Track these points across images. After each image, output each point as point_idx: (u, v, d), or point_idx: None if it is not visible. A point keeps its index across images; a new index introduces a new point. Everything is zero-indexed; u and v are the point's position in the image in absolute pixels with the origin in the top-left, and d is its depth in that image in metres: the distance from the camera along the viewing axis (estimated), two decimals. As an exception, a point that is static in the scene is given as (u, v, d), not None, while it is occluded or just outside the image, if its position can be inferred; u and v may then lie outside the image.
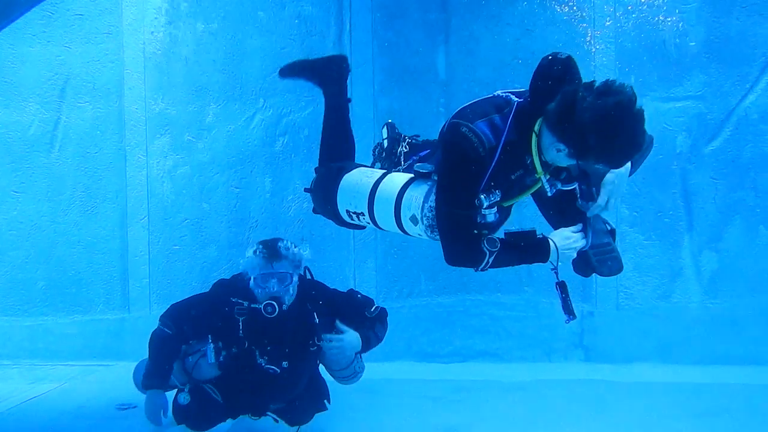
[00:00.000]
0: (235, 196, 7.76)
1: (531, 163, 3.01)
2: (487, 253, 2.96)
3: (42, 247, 7.86)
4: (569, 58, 2.97)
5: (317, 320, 4.55)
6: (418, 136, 3.76)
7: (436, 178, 3.11)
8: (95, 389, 6.60)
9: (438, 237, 3.08)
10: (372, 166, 3.75)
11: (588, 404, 5.56)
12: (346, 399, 4.75)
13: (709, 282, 7.22)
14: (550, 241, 3.06)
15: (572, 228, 3.14)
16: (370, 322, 4.68)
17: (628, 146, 2.77)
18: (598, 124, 2.69)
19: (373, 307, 4.75)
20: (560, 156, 2.89)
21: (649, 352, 6.94)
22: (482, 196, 2.92)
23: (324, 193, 3.69)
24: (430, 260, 7.17)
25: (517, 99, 3.04)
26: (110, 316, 7.78)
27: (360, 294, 4.86)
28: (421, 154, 3.51)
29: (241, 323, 4.47)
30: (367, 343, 4.60)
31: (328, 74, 4.33)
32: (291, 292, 4.49)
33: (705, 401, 5.81)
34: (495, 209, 3.01)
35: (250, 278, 4.50)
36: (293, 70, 4.52)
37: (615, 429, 5.08)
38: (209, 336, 4.54)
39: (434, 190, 3.07)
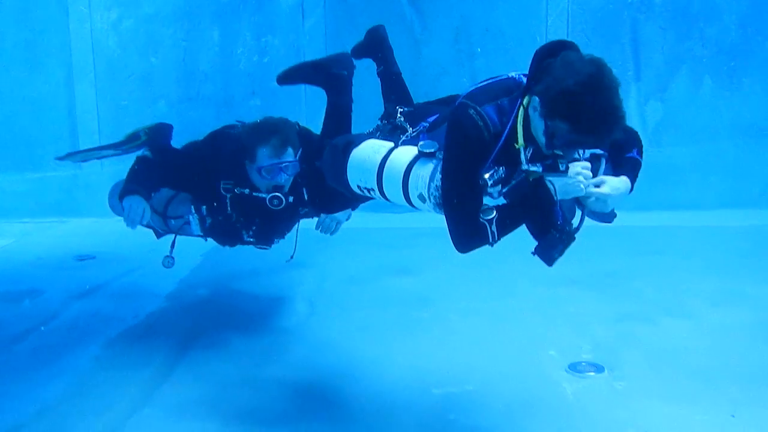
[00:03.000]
0: (182, 49, 7.61)
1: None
2: (486, 224, 2.87)
3: (-15, 106, 7.69)
4: (572, 43, 2.89)
5: (306, 197, 4.31)
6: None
7: (440, 156, 3.04)
8: (52, 242, 6.70)
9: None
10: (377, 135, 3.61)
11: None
12: (306, 247, 4.88)
13: (653, 131, 7.44)
14: (547, 181, 2.87)
15: (581, 164, 2.91)
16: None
17: (599, 109, 2.59)
18: (572, 77, 2.60)
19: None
20: (535, 116, 2.79)
21: (594, 199, 7.18)
22: (486, 175, 2.86)
23: (334, 170, 3.55)
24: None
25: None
26: (62, 173, 7.73)
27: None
28: (430, 120, 3.41)
29: (228, 201, 4.22)
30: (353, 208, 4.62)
31: (333, 75, 4.27)
32: (291, 180, 4.23)
33: (647, 242, 6.13)
34: (500, 186, 2.92)
35: (246, 162, 4.15)
36: (291, 76, 4.43)
37: (561, 265, 5.32)
38: (191, 206, 4.34)
39: (439, 169, 3.01)
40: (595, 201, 2.86)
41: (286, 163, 4.06)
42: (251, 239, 4.36)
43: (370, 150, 3.34)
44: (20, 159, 7.77)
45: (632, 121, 7.26)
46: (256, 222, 4.30)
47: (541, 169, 2.82)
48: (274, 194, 4.08)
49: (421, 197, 3.05)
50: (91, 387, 3.74)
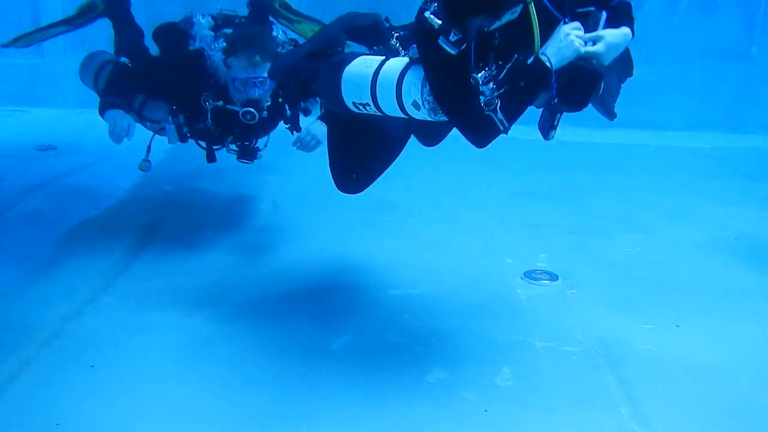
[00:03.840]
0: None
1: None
2: (491, 114, 2.76)
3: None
4: None
5: (288, 112, 4.16)
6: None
7: None
8: (12, 132, 6.60)
9: (443, 116, 2.92)
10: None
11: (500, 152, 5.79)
12: (271, 149, 4.86)
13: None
14: (542, 56, 2.75)
15: (570, 25, 2.79)
16: None
17: None
18: None
19: None
20: None
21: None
22: (477, 75, 2.75)
23: (329, 90, 3.33)
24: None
25: None
26: (23, 61, 7.51)
27: None
28: None
29: (209, 112, 4.05)
30: None
31: None
32: (269, 94, 4.06)
33: (610, 159, 6.21)
34: (492, 84, 2.81)
35: (221, 72, 3.99)
36: None
37: (523, 177, 5.40)
38: (169, 115, 4.14)
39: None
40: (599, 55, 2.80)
41: (261, 78, 3.92)
42: (233, 152, 4.24)
43: (362, 65, 3.21)
44: (-22, 46, 7.53)
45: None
46: (235, 133, 4.17)
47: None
48: (246, 109, 3.95)
49: (415, 104, 2.96)
50: (51, 274, 3.77)
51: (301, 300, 3.61)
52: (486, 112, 2.76)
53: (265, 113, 4.03)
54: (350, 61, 3.22)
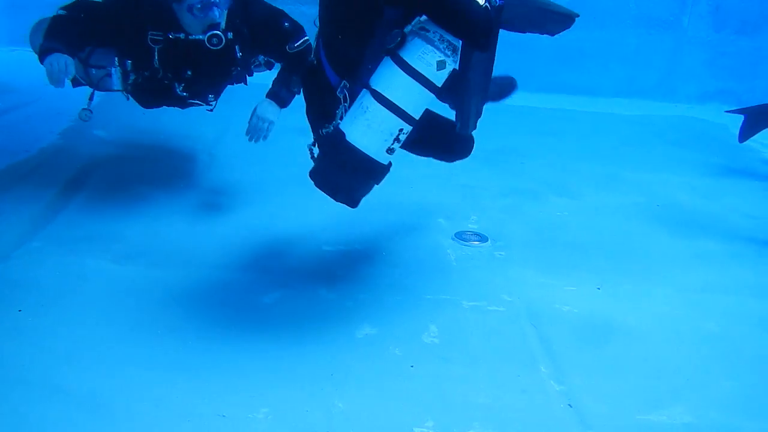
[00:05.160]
0: None
1: None
2: None
3: None
4: None
5: (239, 54, 3.99)
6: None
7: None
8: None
9: (459, 37, 2.82)
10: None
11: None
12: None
13: (563, 14, 7.51)
14: None
15: None
16: (288, 63, 4.10)
17: None
18: None
19: (299, 41, 4.03)
20: None
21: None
22: None
23: (352, 165, 2.97)
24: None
25: None
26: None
27: (288, 22, 4.09)
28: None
29: (156, 52, 3.87)
30: (283, 102, 4.07)
31: None
32: (223, 17, 3.87)
33: (544, 124, 6.31)
34: None
35: (175, 4, 3.76)
36: None
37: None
38: (114, 58, 3.94)
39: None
40: None
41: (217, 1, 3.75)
42: (184, 93, 4.06)
43: (359, 117, 2.92)
44: None
45: (543, 1, 7.37)
46: (187, 74, 4.01)
47: None
48: (212, 32, 3.75)
49: (440, 64, 2.81)
50: (-25, 217, 3.71)
51: (234, 252, 3.63)
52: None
53: (230, 34, 3.84)
54: (349, 131, 2.92)
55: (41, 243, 3.55)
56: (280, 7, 4.13)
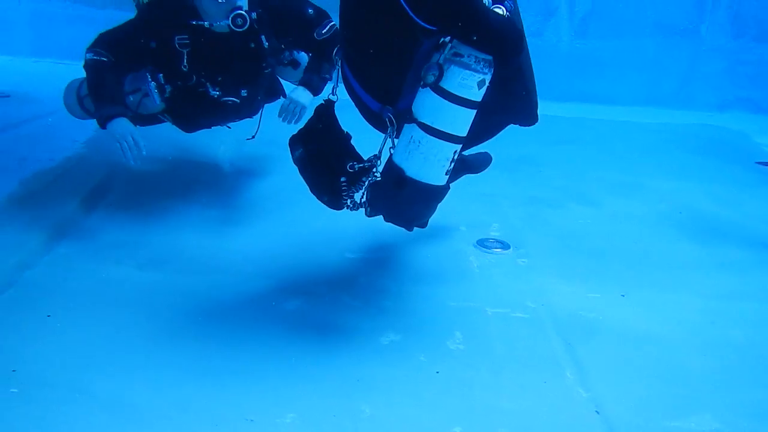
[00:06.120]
0: None
1: None
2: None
3: None
4: None
5: (266, 44, 3.99)
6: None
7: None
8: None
9: (490, 53, 2.83)
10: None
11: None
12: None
13: (580, 23, 7.53)
14: None
15: None
16: (317, 50, 4.11)
17: None
18: None
19: (326, 27, 4.05)
20: None
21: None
22: None
23: (418, 197, 3.09)
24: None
25: None
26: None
27: (312, 8, 4.09)
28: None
29: (185, 55, 3.89)
30: (315, 89, 4.12)
31: None
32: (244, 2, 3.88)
33: (562, 132, 6.30)
34: None
35: None
36: None
37: (480, 148, 5.45)
38: (147, 74, 3.97)
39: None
40: None
41: None
42: (217, 92, 4.07)
43: (414, 151, 2.97)
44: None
45: (560, 11, 7.38)
46: (217, 70, 4.01)
47: None
48: (236, 12, 3.77)
49: (481, 83, 2.85)
50: (5, 223, 3.76)
51: (257, 260, 3.65)
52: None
53: (254, 14, 3.86)
54: (405, 165, 2.96)
55: (67, 250, 3.59)
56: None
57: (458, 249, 3.91)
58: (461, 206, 4.30)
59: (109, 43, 3.82)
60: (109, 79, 3.79)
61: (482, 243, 3.97)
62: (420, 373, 2.83)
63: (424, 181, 2.96)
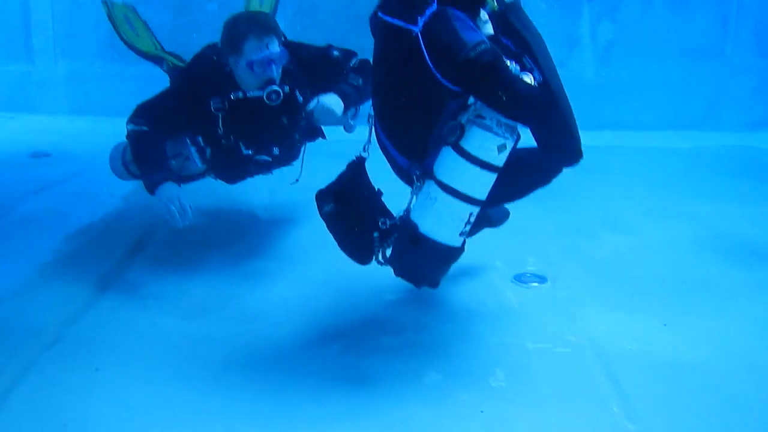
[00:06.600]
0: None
1: None
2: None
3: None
4: None
5: (300, 99, 4.05)
6: None
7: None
8: (4, 138, 6.63)
9: (519, 121, 2.96)
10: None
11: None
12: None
13: (603, 51, 7.56)
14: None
15: None
16: (346, 75, 4.16)
17: None
18: None
19: (354, 60, 4.19)
20: None
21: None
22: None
23: (429, 256, 3.15)
24: None
25: None
26: (13, 67, 7.62)
27: (337, 50, 4.20)
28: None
29: (220, 119, 3.99)
30: (347, 98, 4.04)
31: None
32: (280, 71, 3.98)
33: (592, 160, 6.21)
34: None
35: (231, 63, 3.92)
36: None
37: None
38: (187, 139, 4.11)
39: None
40: None
41: (275, 53, 3.87)
42: (249, 151, 4.15)
43: (431, 210, 3.04)
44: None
45: (583, 40, 7.42)
46: (251, 132, 4.09)
47: None
48: (271, 88, 3.86)
49: (501, 147, 2.91)
50: (51, 279, 3.83)
51: (297, 305, 3.68)
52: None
53: (287, 88, 3.95)
54: (419, 221, 3.06)
55: (112, 302, 3.66)
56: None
57: (495, 285, 3.92)
58: (495, 241, 4.31)
59: (148, 114, 3.95)
60: (152, 147, 3.94)
61: (519, 278, 3.97)
62: (464, 412, 2.82)
63: (436, 239, 3.02)
